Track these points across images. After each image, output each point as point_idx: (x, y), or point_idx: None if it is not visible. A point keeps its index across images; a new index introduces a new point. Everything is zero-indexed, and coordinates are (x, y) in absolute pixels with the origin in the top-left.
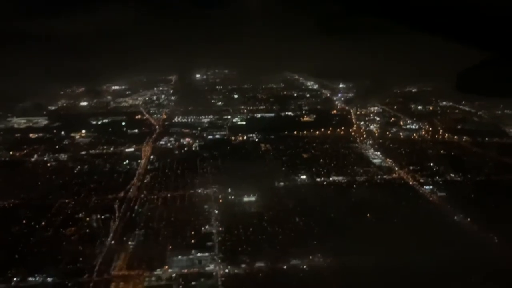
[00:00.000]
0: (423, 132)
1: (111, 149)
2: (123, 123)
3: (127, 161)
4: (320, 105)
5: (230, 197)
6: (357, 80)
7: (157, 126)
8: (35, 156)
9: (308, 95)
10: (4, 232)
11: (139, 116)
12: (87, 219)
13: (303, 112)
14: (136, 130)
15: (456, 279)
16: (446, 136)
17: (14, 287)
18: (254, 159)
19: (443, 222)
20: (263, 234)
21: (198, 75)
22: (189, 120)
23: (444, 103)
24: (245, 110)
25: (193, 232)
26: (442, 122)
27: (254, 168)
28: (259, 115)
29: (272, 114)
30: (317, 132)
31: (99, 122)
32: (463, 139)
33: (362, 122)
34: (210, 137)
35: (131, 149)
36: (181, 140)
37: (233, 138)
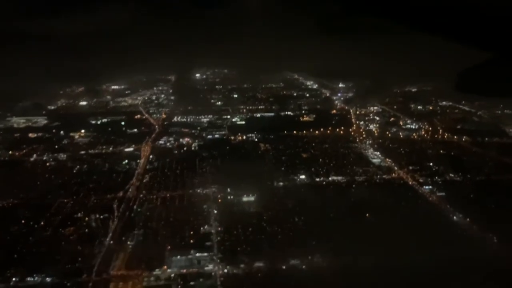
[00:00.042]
0: (423, 132)
1: (110, 148)
2: (123, 123)
3: (126, 161)
4: (320, 104)
5: (229, 197)
6: (356, 79)
7: (156, 126)
8: (34, 155)
9: (307, 95)
10: (3, 231)
11: (139, 116)
12: (86, 219)
13: (303, 111)
14: (135, 130)
15: (455, 279)
16: (445, 136)
17: (13, 287)
18: (254, 159)
19: (442, 222)
20: (262, 234)
21: (197, 75)
22: (189, 119)
23: (444, 103)
24: (245, 110)
25: (192, 232)
26: (441, 122)
27: (253, 168)
28: (258, 115)
29: (272, 114)
30: (317, 132)
31: (99, 122)
32: (463, 139)
33: (361, 122)
34: (209, 136)
35: (131, 149)
36: (181, 139)
37: (232, 138)
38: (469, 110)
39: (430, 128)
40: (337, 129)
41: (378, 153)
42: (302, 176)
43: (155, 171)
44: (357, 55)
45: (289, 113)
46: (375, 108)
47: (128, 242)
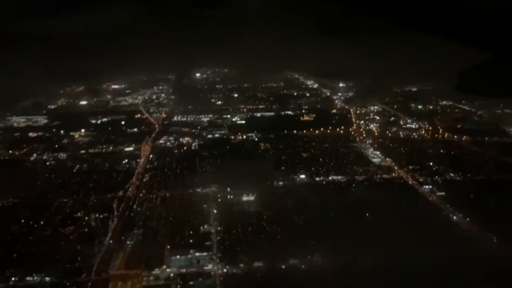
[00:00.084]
0: (423, 132)
1: (111, 148)
2: (123, 122)
3: (126, 160)
4: (320, 104)
5: (229, 197)
6: (357, 79)
7: (156, 125)
8: (35, 155)
9: (308, 94)
10: (3, 231)
11: (139, 115)
12: (86, 218)
13: (303, 111)
14: (135, 129)
15: (455, 278)
16: (446, 136)
17: (13, 286)
18: (254, 158)
19: (442, 221)
20: (262, 234)
21: (198, 74)
22: (189, 119)
23: (444, 102)
24: (245, 109)
25: (191, 232)
26: (442, 122)
27: (253, 167)
28: (258, 114)
29: (272, 113)
30: (317, 131)
31: (99, 121)
32: (463, 139)
33: (362, 121)
34: (209, 136)
35: (131, 148)
36: (181, 139)
37: (232, 137)
38: (469, 110)
39: (430, 128)
40: (337, 129)
41: (378, 152)
42: (302, 176)
43: (155, 171)
44: (357, 55)
45: (289, 112)
46: (375, 107)
47: (128, 242)
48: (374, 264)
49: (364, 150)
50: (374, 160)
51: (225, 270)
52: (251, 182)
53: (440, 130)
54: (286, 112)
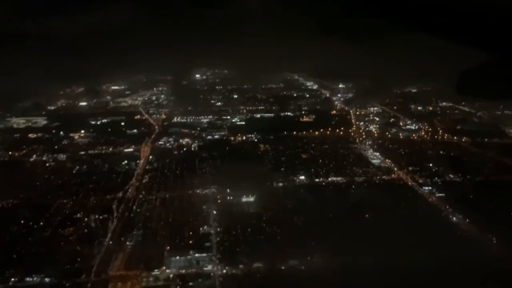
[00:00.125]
0: (423, 133)
1: (110, 149)
2: (122, 123)
3: (126, 162)
4: (320, 105)
5: (228, 198)
6: (356, 80)
7: (156, 126)
8: (34, 156)
9: (307, 95)
10: (2, 231)
11: (138, 116)
12: (86, 219)
13: (303, 112)
14: (135, 130)
15: (454, 279)
16: (445, 137)
17: (12, 287)
18: (253, 160)
19: (442, 222)
20: (261, 235)
21: (197, 75)
22: (188, 120)
23: (444, 103)
24: (245, 110)
25: (191, 233)
26: (441, 123)
27: (253, 168)
28: (258, 115)
29: (272, 114)
30: (317, 133)
31: (98, 122)
32: (463, 140)
33: (361, 123)
34: (209, 137)
35: (130, 149)
36: (180, 140)
37: (232, 138)
38: (469, 111)
39: (430, 129)
40: (337, 130)
41: (378, 153)
42: (302, 177)
43: (155, 172)
44: (357, 55)
45: (289, 113)
46: (375, 108)
47: (127, 243)
48: (374, 265)
49: (364, 151)
50: (374, 161)
51: (224, 271)
52: (250, 183)
53: (440, 131)
54: (286, 113)
